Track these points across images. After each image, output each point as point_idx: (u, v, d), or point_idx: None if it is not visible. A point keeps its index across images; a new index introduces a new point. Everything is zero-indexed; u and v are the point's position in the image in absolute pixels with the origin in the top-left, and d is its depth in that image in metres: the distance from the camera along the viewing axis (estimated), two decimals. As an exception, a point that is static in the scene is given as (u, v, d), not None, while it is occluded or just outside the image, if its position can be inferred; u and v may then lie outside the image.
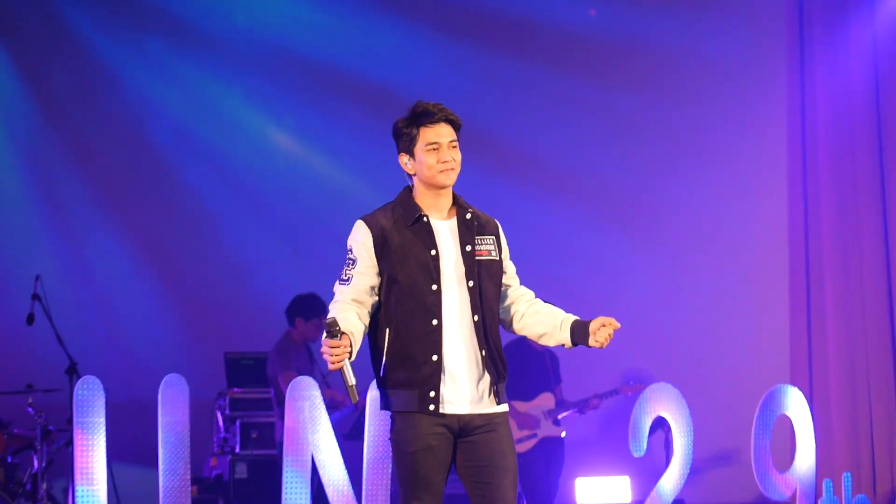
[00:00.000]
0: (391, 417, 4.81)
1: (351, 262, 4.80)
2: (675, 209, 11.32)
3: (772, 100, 10.98)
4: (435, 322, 4.73)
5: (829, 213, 10.58)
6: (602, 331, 4.79)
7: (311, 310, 9.31)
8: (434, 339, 4.73)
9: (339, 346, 4.49)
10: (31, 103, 11.35)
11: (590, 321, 4.85)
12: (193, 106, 11.45)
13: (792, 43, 10.75)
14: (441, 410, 4.73)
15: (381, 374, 4.78)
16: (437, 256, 4.77)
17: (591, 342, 4.81)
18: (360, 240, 4.77)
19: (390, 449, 4.92)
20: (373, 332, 4.80)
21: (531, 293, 5.03)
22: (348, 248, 4.82)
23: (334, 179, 11.32)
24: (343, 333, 4.52)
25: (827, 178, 10.60)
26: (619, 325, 4.81)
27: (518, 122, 11.52)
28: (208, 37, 11.46)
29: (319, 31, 11.59)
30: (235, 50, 11.51)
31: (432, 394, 4.71)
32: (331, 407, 8.93)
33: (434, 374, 4.72)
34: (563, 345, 4.92)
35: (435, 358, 4.72)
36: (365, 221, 4.81)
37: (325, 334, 4.54)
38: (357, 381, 4.56)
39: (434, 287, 4.75)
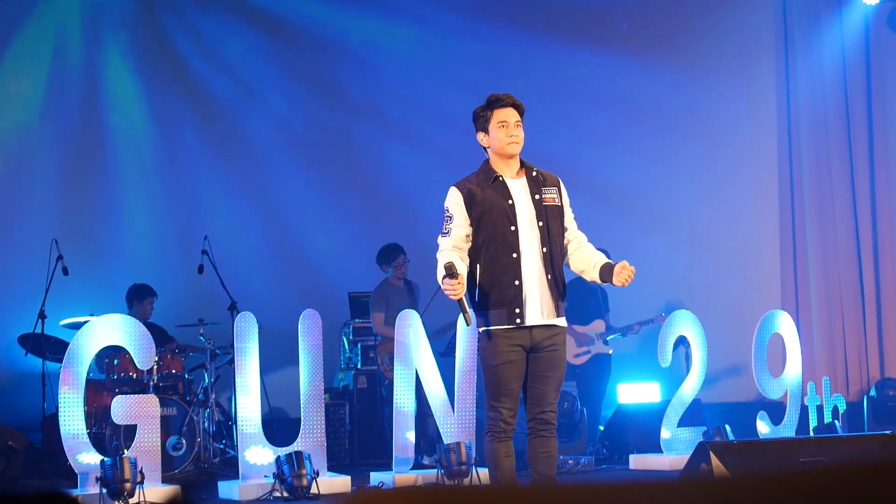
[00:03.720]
0: (479, 338, 5.33)
1: (448, 218, 5.32)
2: (684, 200, 11.79)
3: (764, 74, 11.80)
4: (514, 255, 5.27)
5: (809, 172, 11.31)
6: (623, 273, 5.26)
7: (388, 255, 9.72)
8: (515, 268, 5.26)
9: (457, 284, 5.08)
10: (195, 93, 11.47)
11: (615, 264, 5.33)
12: (358, 76, 11.69)
13: (778, 42, 11.47)
14: (524, 322, 5.24)
15: (476, 298, 5.32)
16: (513, 205, 5.30)
17: (615, 281, 5.27)
18: (455, 200, 5.35)
19: (478, 363, 5.73)
20: (468, 267, 5.32)
21: (583, 237, 5.50)
22: (445, 208, 5.36)
23: (442, 152, 11.20)
24: (459, 273, 5.07)
25: (809, 156, 11.24)
26: (634, 268, 5.29)
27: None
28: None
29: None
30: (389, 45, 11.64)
31: (517, 310, 5.24)
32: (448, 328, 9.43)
33: (518, 295, 5.25)
34: (595, 281, 5.39)
35: (517, 283, 5.25)
36: (456, 187, 5.39)
37: (444, 276, 5.11)
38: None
39: (513, 228, 5.28)
